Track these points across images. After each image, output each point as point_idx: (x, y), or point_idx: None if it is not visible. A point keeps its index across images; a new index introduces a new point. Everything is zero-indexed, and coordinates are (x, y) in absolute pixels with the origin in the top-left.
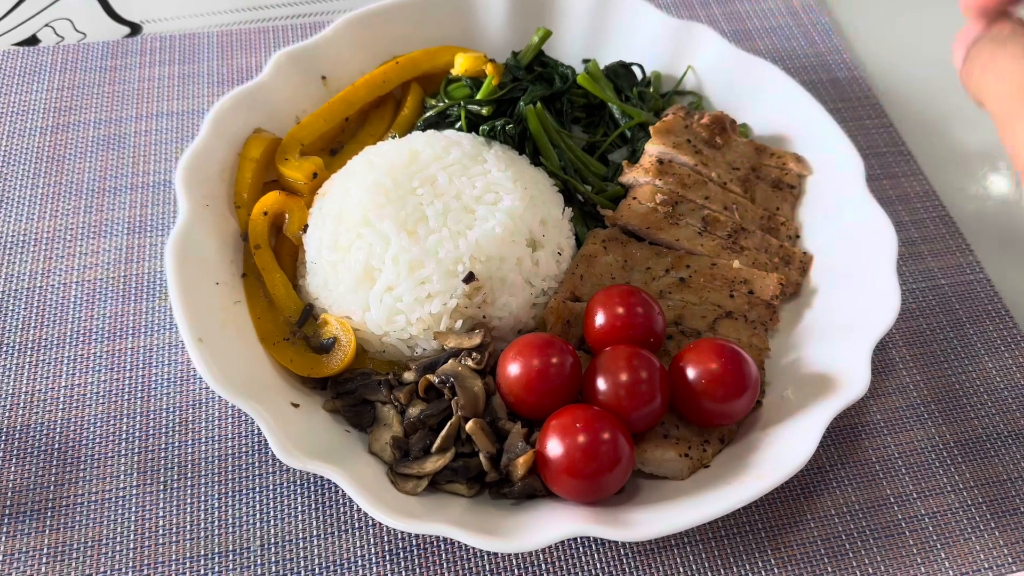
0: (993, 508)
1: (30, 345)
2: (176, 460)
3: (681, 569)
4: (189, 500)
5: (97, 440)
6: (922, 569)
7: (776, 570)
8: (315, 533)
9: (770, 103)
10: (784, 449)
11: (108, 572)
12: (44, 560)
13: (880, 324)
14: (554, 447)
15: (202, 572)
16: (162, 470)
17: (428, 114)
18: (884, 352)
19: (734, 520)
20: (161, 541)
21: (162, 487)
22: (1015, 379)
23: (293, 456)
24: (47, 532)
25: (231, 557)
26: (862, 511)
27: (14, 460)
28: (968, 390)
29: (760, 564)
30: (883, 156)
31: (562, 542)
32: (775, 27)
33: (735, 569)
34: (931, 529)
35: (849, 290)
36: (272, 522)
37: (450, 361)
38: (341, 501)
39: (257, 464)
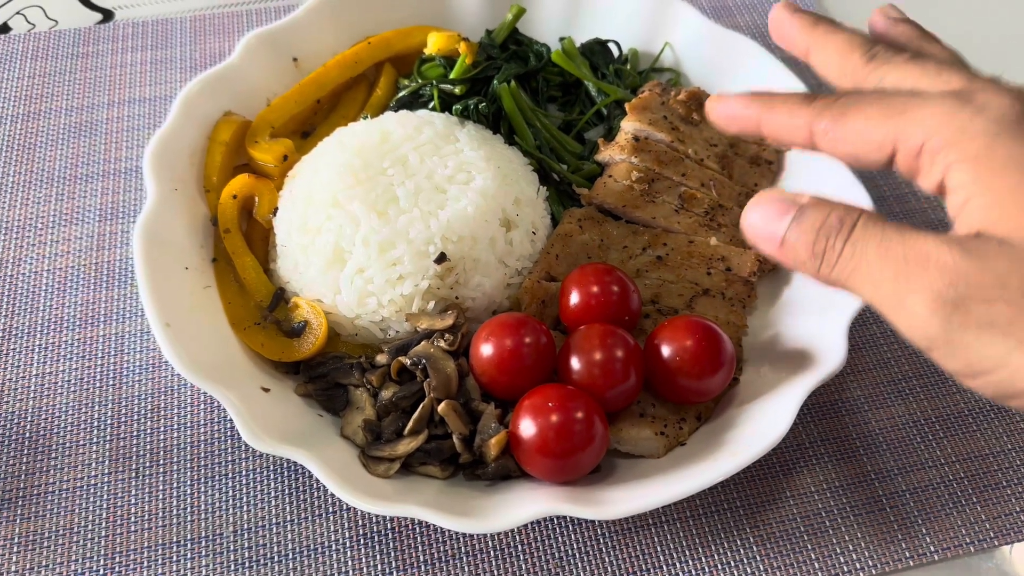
0: (975, 483)
1: (0, 334)
2: (148, 447)
3: (658, 547)
4: (161, 487)
5: (68, 428)
6: (903, 545)
7: (755, 548)
8: (289, 518)
9: (749, 78)
10: (760, 425)
11: (80, 560)
12: (15, 549)
13: (857, 299)
14: (527, 427)
15: (175, 559)
16: (134, 457)
17: (401, 94)
18: (865, 328)
19: (712, 498)
20: (133, 529)
21: (134, 474)
22: None
23: (261, 440)
24: (17, 521)
25: (204, 543)
26: (842, 488)
27: None
28: None
29: (739, 542)
30: None
31: (537, 522)
32: (755, 2)
33: (713, 547)
34: (912, 505)
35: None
36: (245, 508)
37: (423, 343)
38: (315, 486)
39: (230, 450)
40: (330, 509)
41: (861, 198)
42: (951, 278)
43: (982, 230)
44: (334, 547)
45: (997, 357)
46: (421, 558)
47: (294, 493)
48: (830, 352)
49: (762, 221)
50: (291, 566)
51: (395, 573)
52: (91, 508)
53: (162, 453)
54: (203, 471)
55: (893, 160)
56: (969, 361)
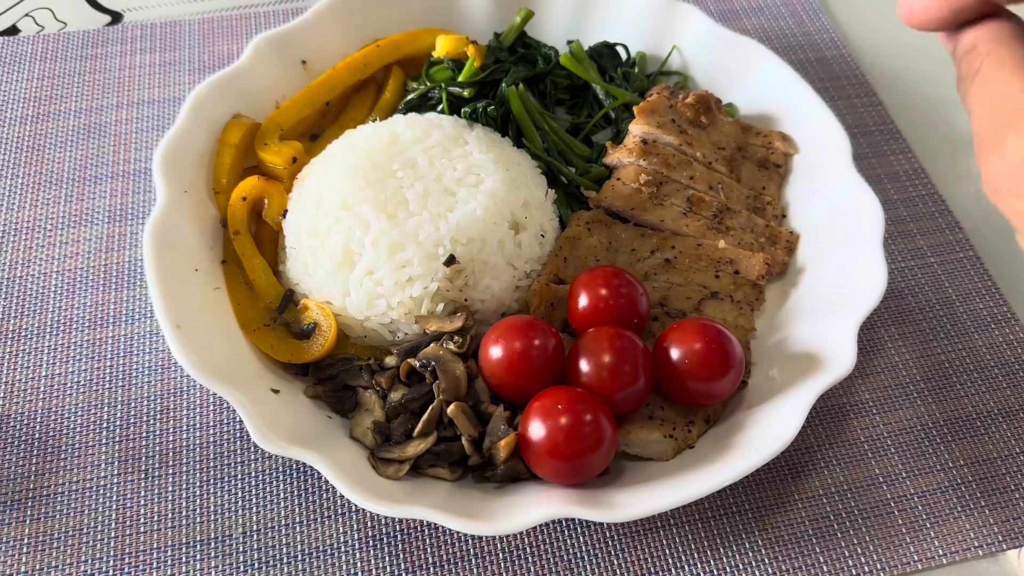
0: (983, 487)
1: (10, 335)
2: (157, 448)
3: (667, 550)
4: (171, 488)
5: (78, 429)
6: (912, 548)
7: (764, 551)
8: (298, 520)
9: (756, 82)
10: (769, 428)
11: (89, 561)
12: (25, 550)
13: (866, 302)
14: (536, 429)
15: (184, 560)
16: (143, 458)
17: (409, 97)
18: (873, 331)
19: (721, 501)
20: (142, 530)
21: (143, 475)
22: (1005, 357)
23: (271, 441)
24: (28, 522)
25: (213, 545)
26: (851, 491)
27: None
28: (958, 368)
29: (748, 545)
30: (872, 135)
31: (546, 524)
32: (763, 6)
33: (722, 550)
34: (920, 508)
35: (835, 269)
36: (254, 509)
37: (432, 345)
38: (324, 487)
39: (239, 452)
40: (339, 511)
41: (870, 203)
42: None
43: None
44: (343, 548)
45: None
46: (430, 560)
47: (303, 494)
48: (839, 356)
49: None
50: (300, 567)
51: (404, 574)
52: (100, 509)
53: (171, 454)
54: (212, 472)
55: None
56: None
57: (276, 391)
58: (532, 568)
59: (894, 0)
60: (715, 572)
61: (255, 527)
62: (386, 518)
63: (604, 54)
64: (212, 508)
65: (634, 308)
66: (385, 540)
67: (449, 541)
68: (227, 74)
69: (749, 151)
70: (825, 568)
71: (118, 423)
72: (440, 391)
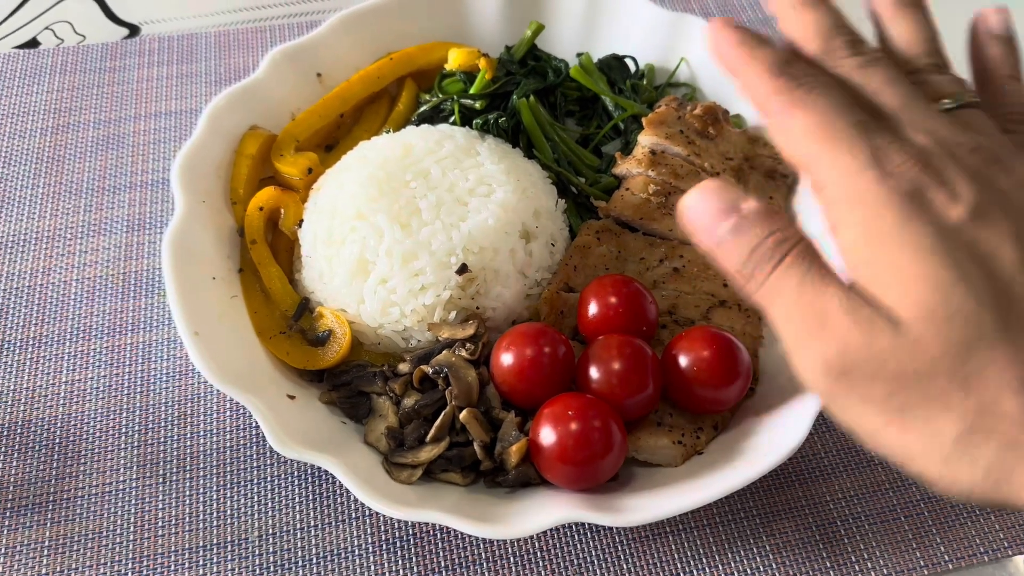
0: None
1: (31, 342)
2: (175, 453)
3: (676, 555)
4: (188, 492)
5: (97, 434)
6: (918, 554)
7: (771, 556)
8: (312, 523)
9: None
10: (777, 435)
11: (108, 564)
12: (45, 553)
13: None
14: (547, 435)
15: (201, 563)
16: (161, 463)
17: (422, 109)
18: None
19: (729, 507)
20: (160, 533)
21: (161, 480)
22: None
23: (287, 446)
24: (48, 525)
25: (229, 548)
26: (857, 496)
27: (15, 455)
28: None
29: (755, 550)
30: None
31: (556, 529)
32: (770, 19)
33: (729, 555)
34: (927, 514)
35: (843, 277)
36: (270, 513)
37: (444, 352)
38: (338, 492)
39: (255, 456)
40: (353, 515)
41: None
42: (841, 347)
43: (856, 284)
44: (357, 552)
45: (872, 429)
46: (442, 563)
47: (317, 499)
48: None
49: (702, 216)
50: (315, 570)
51: None
52: (119, 512)
53: (189, 459)
54: (229, 477)
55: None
56: (850, 425)
57: (292, 397)
58: (542, 572)
59: None
60: None
61: (271, 531)
62: (399, 522)
63: (613, 66)
64: (229, 512)
65: (643, 316)
66: (398, 544)
67: (461, 545)
68: (244, 86)
69: (756, 162)
70: (832, 573)
71: (137, 428)
72: (452, 397)
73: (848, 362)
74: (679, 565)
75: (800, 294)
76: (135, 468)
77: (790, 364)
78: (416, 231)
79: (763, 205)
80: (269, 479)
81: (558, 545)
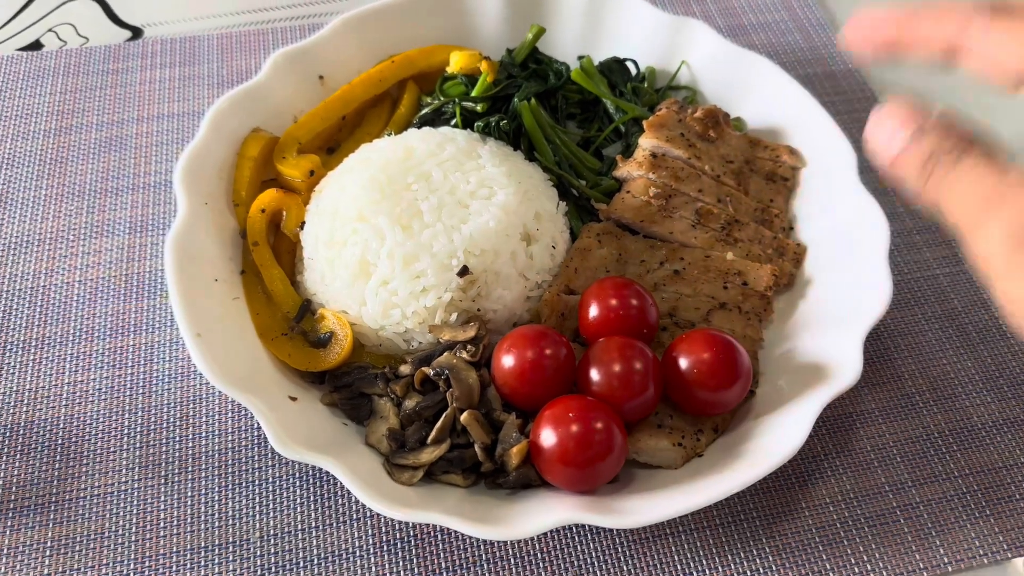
0: (988, 495)
1: (34, 343)
2: (177, 454)
3: (676, 556)
4: (190, 493)
5: (99, 435)
6: (917, 556)
7: (771, 558)
8: (314, 525)
9: (764, 97)
10: (776, 437)
11: (110, 564)
12: (48, 553)
13: (872, 313)
14: (548, 437)
15: (202, 564)
16: (163, 464)
17: (424, 111)
18: (879, 342)
19: (729, 509)
20: (162, 534)
21: (163, 481)
22: (1010, 368)
23: (289, 447)
24: (50, 526)
25: (231, 549)
26: (857, 499)
27: (18, 456)
28: (963, 379)
29: (755, 552)
30: None
31: (557, 530)
32: (770, 22)
33: (729, 557)
34: (926, 517)
35: (842, 281)
36: (271, 514)
37: (445, 354)
38: (339, 493)
39: (256, 458)
40: (354, 516)
41: (876, 215)
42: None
43: None
44: (358, 553)
45: None
46: (442, 564)
47: (319, 500)
48: (845, 366)
49: (884, 132)
50: (316, 571)
51: None
52: (121, 513)
53: (190, 460)
54: (230, 478)
55: None
56: (1020, 297)
57: (293, 398)
58: (543, 573)
59: None
60: None
61: (272, 531)
62: (400, 523)
63: (614, 69)
64: (230, 513)
65: (644, 318)
66: (399, 545)
67: (461, 546)
68: (246, 89)
69: (757, 164)
70: (832, 575)
71: (139, 429)
72: (453, 399)
73: None
74: (679, 567)
75: (980, 177)
76: (137, 469)
77: (964, 251)
78: (417, 233)
79: (941, 116)
80: (271, 480)
81: (559, 546)
